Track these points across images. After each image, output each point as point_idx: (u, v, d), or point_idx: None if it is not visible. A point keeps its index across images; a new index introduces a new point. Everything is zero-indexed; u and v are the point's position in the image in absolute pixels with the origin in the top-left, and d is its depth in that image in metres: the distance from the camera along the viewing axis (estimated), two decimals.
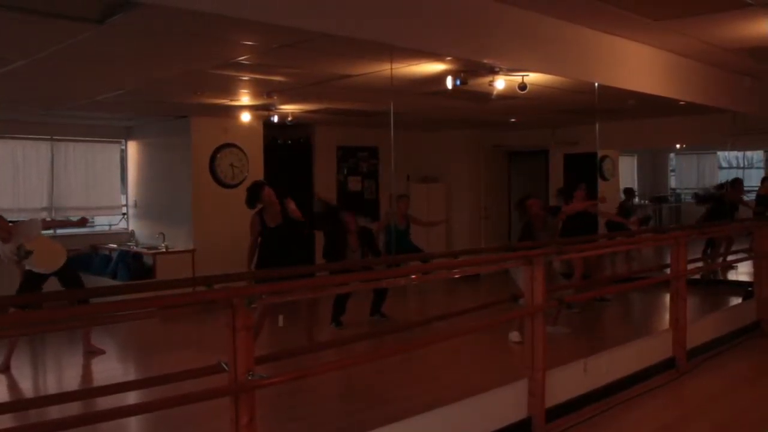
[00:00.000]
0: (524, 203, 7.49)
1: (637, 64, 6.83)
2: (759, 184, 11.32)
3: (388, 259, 8.06)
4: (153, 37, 5.29)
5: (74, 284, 7.04)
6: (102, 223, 11.61)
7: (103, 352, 7.31)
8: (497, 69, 6.74)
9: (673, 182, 13.95)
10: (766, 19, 5.69)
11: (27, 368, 7.13)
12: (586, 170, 9.35)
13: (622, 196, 11.52)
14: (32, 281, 6.89)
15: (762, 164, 12.93)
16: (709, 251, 10.80)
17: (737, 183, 10.88)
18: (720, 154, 12.82)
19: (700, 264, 9.52)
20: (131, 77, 7.00)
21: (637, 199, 13.04)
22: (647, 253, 11.46)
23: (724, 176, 11.95)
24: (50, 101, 8.62)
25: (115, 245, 10.86)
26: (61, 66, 6.31)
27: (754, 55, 7.15)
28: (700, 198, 11.27)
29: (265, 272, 6.55)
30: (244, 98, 8.60)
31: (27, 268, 6.85)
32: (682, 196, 13.13)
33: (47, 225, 7.23)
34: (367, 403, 5.69)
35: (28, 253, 6.57)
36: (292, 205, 7.04)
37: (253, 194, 7.08)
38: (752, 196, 11.34)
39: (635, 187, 13.14)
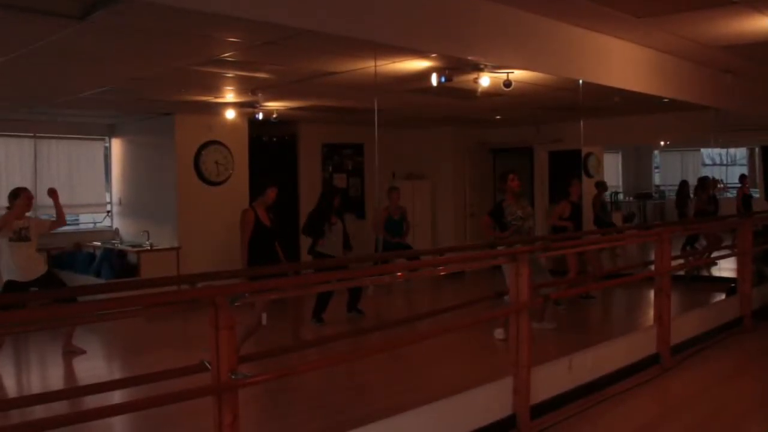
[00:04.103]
0: (506, 176, 7.50)
1: (620, 61, 6.86)
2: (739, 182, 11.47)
3: (374, 257, 8.08)
4: (135, 34, 5.26)
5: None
6: (86, 220, 11.55)
7: (83, 352, 7.26)
8: (482, 66, 6.76)
9: (657, 179, 14.06)
10: (749, 16, 5.73)
11: (10, 367, 7.08)
12: (570, 167, 9.38)
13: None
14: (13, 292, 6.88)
15: (745, 161, 13.06)
16: (688, 248, 10.89)
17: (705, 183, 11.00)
18: (703, 151, 12.94)
19: (683, 261, 9.59)
20: (114, 74, 6.96)
21: (622, 196, 13.12)
22: (632, 249, 11.54)
23: (707, 173, 12.04)
24: (33, 99, 8.57)
25: (99, 243, 10.81)
26: (42, 63, 6.26)
27: (736, 51, 7.21)
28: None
29: (251, 270, 6.52)
30: (229, 95, 8.58)
31: (9, 278, 6.89)
32: (666, 193, 13.22)
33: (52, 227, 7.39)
34: (352, 401, 5.69)
35: (26, 238, 6.92)
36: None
37: (259, 190, 7.19)
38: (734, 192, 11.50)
39: (620, 184, 13.22)
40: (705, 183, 11.05)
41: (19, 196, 6.94)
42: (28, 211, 7.06)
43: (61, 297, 6.11)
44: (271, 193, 7.11)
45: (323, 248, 8.28)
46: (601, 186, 10.69)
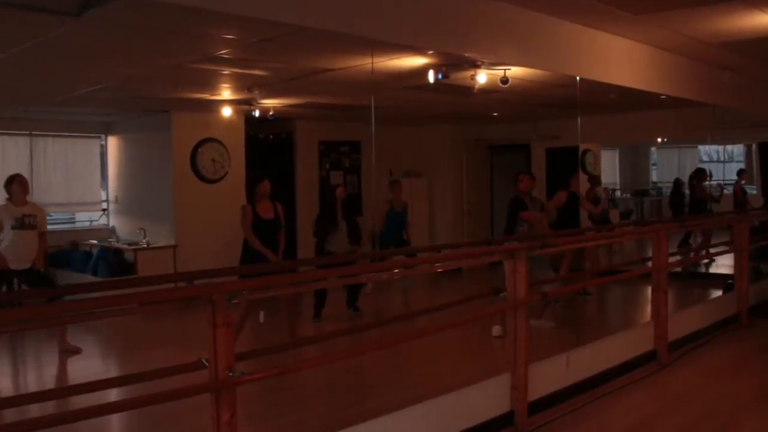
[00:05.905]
0: (516, 177, 7.74)
1: (618, 58, 6.85)
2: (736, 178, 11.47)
3: (372, 254, 8.07)
4: (131, 31, 5.22)
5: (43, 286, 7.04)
6: (82, 219, 11.51)
7: (79, 351, 7.23)
8: (479, 63, 6.73)
9: (654, 176, 14.05)
10: (746, 13, 5.73)
11: (5, 366, 7.06)
12: (568, 164, 9.36)
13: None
14: None
15: (742, 158, 13.07)
16: (685, 245, 10.89)
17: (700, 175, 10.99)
18: (701, 148, 12.94)
19: (680, 257, 9.58)
20: (110, 72, 6.91)
21: (619, 192, 13.11)
22: (629, 246, 11.53)
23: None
24: (28, 97, 8.52)
25: (95, 241, 10.77)
26: (38, 61, 6.22)
27: (733, 48, 7.21)
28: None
29: (246, 268, 6.52)
30: (225, 93, 8.55)
31: None
32: (664, 190, 13.21)
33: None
34: (349, 398, 5.69)
35: (29, 225, 6.88)
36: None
37: (252, 185, 7.29)
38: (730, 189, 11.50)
39: (617, 180, 13.21)
40: (701, 175, 11.04)
41: (13, 182, 6.93)
42: (25, 195, 7.02)
43: (54, 295, 6.09)
44: (263, 186, 7.23)
45: (329, 246, 8.31)
46: (595, 181, 10.67)
